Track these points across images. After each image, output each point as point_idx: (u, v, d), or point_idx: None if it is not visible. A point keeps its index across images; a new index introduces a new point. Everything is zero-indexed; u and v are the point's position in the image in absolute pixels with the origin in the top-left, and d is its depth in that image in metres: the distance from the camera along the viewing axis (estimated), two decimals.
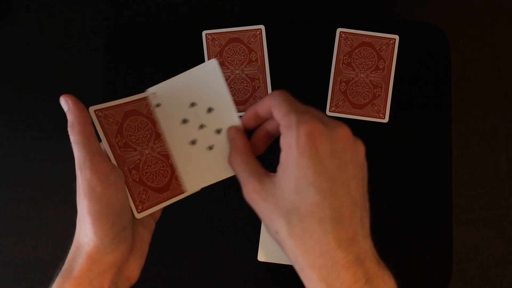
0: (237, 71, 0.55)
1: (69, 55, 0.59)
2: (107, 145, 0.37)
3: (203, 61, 0.55)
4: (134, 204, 0.37)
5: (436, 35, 0.55)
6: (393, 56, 0.55)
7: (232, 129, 0.38)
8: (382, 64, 0.55)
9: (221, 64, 0.55)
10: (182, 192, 0.40)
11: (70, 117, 0.35)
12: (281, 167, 0.31)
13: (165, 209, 0.42)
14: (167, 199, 0.39)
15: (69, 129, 0.35)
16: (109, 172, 0.34)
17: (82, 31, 0.60)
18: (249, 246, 0.53)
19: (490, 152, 0.58)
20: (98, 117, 0.37)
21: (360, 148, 0.33)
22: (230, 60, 0.55)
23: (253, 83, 0.55)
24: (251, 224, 0.53)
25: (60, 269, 0.35)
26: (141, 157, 0.39)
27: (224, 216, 0.54)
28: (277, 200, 0.30)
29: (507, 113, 0.59)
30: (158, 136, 0.40)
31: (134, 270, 0.37)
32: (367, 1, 0.60)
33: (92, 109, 0.37)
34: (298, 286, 0.54)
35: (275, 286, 0.53)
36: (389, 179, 0.55)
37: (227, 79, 0.55)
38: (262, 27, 0.55)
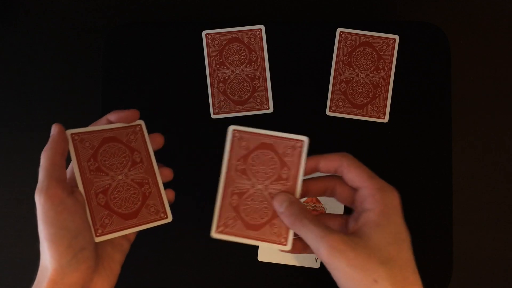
0: (237, 71, 0.55)
1: (69, 55, 0.59)
2: (76, 167, 0.38)
3: (203, 61, 0.55)
4: (94, 227, 0.38)
5: (436, 35, 0.55)
6: (393, 56, 0.55)
7: (286, 195, 0.38)
8: (382, 64, 0.55)
9: (221, 64, 0.55)
10: (152, 221, 0.41)
11: (48, 143, 0.38)
12: (373, 223, 0.34)
13: None
14: (133, 226, 0.40)
15: (42, 153, 0.37)
16: (64, 197, 0.35)
17: (82, 31, 0.60)
18: (249, 246, 0.53)
19: (490, 152, 0.58)
20: (73, 140, 0.39)
21: None
22: (230, 60, 0.55)
23: (253, 83, 0.55)
24: None
25: None
26: (112, 182, 0.40)
27: None
28: (371, 250, 0.32)
29: (507, 113, 0.59)
30: (134, 163, 0.41)
31: None
32: (367, 1, 0.60)
33: (69, 132, 0.39)
34: (298, 286, 0.54)
35: (275, 286, 0.53)
36: (389, 179, 0.54)
37: (227, 79, 0.55)
38: (262, 27, 0.55)
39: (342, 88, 0.55)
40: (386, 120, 0.55)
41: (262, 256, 0.53)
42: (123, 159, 0.41)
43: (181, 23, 0.57)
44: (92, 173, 0.39)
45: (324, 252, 0.32)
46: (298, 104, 0.55)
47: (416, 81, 0.55)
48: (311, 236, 0.34)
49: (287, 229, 0.38)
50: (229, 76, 0.55)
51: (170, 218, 0.42)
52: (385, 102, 0.55)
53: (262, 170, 0.39)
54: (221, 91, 0.55)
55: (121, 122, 0.42)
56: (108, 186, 0.39)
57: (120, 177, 0.40)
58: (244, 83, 0.55)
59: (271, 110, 0.55)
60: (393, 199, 0.34)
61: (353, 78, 0.55)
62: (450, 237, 0.54)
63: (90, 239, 0.37)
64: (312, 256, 0.52)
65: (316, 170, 0.38)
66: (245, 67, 0.55)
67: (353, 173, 0.36)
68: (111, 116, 0.42)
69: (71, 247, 0.34)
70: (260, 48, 0.55)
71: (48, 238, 0.34)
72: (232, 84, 0.55)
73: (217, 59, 0.55)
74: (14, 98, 0.59)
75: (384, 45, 0.55)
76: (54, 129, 0.38)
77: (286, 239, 0.38)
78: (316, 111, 0.55)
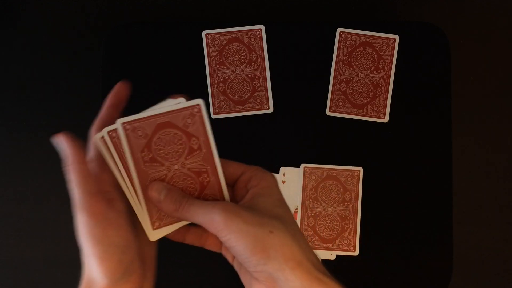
0: (237, 71, 0.55)
1: (69, 55, 0.60)
2: (130, 159, 0.36)
3: (203, 61, 0.55)
4: (151, 220, 0.36)
5: (436, 35, 0.55)
6: (393, 56, 0.55)
7: (160, 183, 0.39)
8: (382, 64, 0.55)
9: (221, 64, 0.55)
10: None
11: (65, 157, 0.36)
12: (258, 194, 0.37)
13: None
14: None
15: (66, 168, 0.36)
16: (107, 211, 0.34)
17: (82, 31, 0.60)
18: None
19: (490, 152, 0.58)
20: (125, 130, 0.36)
21: None
22: (230, 60, 0.55)
23: (253, 83, 0.55)
24: None
25: None
26: (167, 173, 0.37)
27: None
28: (262, 211, 0.36)
29: (507, 113, 0.59)
30: (192, 151, 0.37)
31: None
32: (367, 1, 0.60)
33: (120, 121, 0.36)
34: None
35: None
36: (389, 179, 0.55)
37: (227, 79, 0.55)
38: (262, 27, 0.55)
39: (342, 88, 0.55)
40: (386, 120, 0.55)
41: None
42: (179, 146, 0.37)
43: (181, 23, 0.57)
44: (146, 164, 0.36)
45: (220, 217, 0.33)
46: (298, 104, 0.55)
47: (416, 81, 0.55)
48: (201, 211, 0.35)
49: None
50: (229, 76, 0.55)
51: None
52: (385, 102, 0.55)
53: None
54: (221, 91, 0.55)
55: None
56: (164, 177, 0.37)
57: (176, 166, 0.37)
58: (244, 83, 0.55)
59: (271, 110, 0.55)
60: (271, 177, 0.38)
61: (353, 78, 0.55)
62: (450, 237, 0.54)
63: (138, 249, 0.36)
64: None
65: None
66: (245, 67, 0.55)
67: (234, 165, 0.40)
68: (107, 102, 0.39)
69: (121, 262, 0.34)
70: (260, 48, 0.55)
71: (97, 255, 0.33)
72: (232, 84, 0.55)
73: (217, 59, 0.55)
74: (14, 98, 0.59)
75: (384, 45, 0.55)
76: (62, 142, 0.36)
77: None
78: (316, 111, 0.55)
